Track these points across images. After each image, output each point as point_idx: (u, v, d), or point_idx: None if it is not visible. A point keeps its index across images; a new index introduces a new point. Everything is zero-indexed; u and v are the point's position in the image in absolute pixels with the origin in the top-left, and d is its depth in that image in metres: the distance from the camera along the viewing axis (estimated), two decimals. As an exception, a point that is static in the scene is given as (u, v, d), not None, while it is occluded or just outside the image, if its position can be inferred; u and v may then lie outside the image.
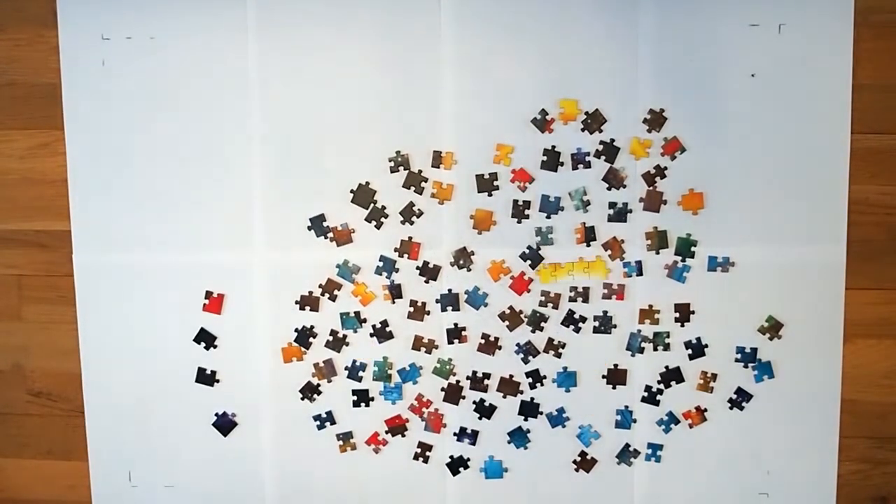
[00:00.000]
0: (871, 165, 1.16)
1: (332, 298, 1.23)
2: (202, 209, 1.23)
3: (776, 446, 1.21)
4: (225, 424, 1.27)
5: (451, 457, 1.25)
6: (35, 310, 1.29)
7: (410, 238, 1.21)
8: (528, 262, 1.20)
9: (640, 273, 1.19)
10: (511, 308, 1.21)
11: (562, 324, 1.21)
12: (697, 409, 1.22)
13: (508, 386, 1.23)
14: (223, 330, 1.25)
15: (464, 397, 1.24)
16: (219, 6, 1.19)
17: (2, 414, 1.32)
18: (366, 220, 1.22)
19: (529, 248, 1.20)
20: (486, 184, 1.19)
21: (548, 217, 1.19)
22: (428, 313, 1.22)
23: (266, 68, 1.20)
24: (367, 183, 1.21)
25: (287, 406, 1.25)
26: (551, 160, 1.18)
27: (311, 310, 1.23)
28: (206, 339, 1.25)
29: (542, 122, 1.18)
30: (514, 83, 1.18)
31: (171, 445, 1.28)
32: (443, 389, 1.24)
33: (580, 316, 1.21)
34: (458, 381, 1.24)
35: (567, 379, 1.22)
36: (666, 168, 1.18)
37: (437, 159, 1.19)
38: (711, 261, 1.18)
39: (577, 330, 1.21)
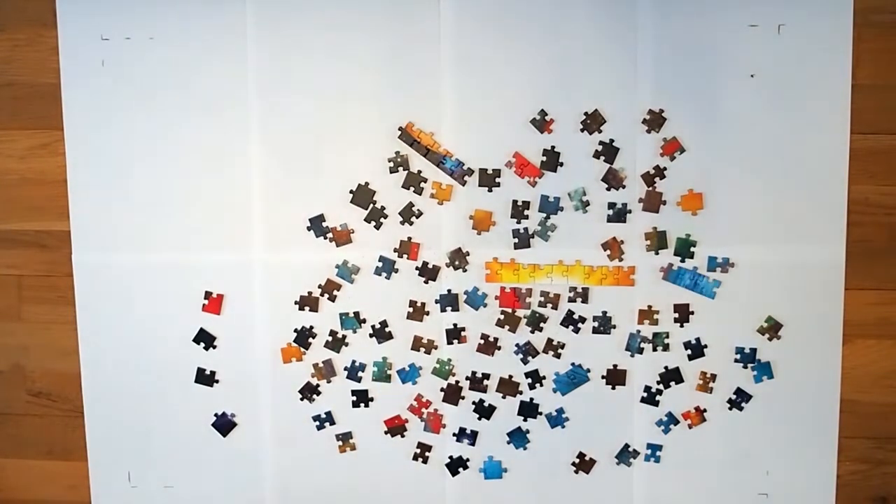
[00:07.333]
0: (870, 166, 1.16)
1: (332, 299, 1.23)
2: (201, 209, 1.23)
3: (776, 446, 1.21)
4: (224, 425, 1.27)
5: (451, 457, 1.25)
6: (35, 310, 1.29)
7: (410, 238, 1.21)
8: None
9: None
10: (511, 309, 1.21)
11: (561, 324, 1.21)
12: (697, 409, 1.22)
13: (508, 386, 1.23)
14: (222, 330, 1.25)
15: (463, 398, 1.24)
16: (218, 6, 1.19)
17: (2, 414, 1.32)
18: (365, 220, 1.22)
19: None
20: (489, 179, 1.19)
21: (547, 217, 1.19)
22: (427, 314, 1.22)
23: (265, 69, 1.20)
24: (367, 183, 1.21)
25: (286, 406, 1.25)
26: (551, 160, 1.18)
27: (310, 310, 1.23)
28: (205, 339, 1.25)
29: (542, 123, 1.18)
30: (513, 84, 1.18)
31: (170, 446, 1.28)
32: (442, 390, 1.24)
33: (579, 316, 1.21)
34: (457, 382, 1.24)
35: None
36: (665, 168, 1.17)
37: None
38: (711, 261, 1.18)
39: (577, 330, 1.21)
